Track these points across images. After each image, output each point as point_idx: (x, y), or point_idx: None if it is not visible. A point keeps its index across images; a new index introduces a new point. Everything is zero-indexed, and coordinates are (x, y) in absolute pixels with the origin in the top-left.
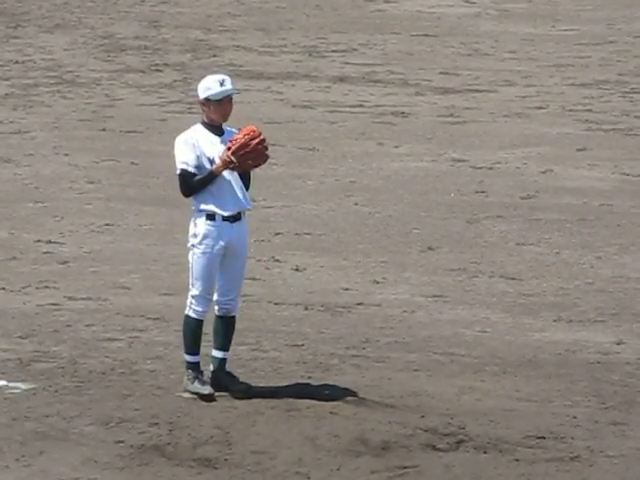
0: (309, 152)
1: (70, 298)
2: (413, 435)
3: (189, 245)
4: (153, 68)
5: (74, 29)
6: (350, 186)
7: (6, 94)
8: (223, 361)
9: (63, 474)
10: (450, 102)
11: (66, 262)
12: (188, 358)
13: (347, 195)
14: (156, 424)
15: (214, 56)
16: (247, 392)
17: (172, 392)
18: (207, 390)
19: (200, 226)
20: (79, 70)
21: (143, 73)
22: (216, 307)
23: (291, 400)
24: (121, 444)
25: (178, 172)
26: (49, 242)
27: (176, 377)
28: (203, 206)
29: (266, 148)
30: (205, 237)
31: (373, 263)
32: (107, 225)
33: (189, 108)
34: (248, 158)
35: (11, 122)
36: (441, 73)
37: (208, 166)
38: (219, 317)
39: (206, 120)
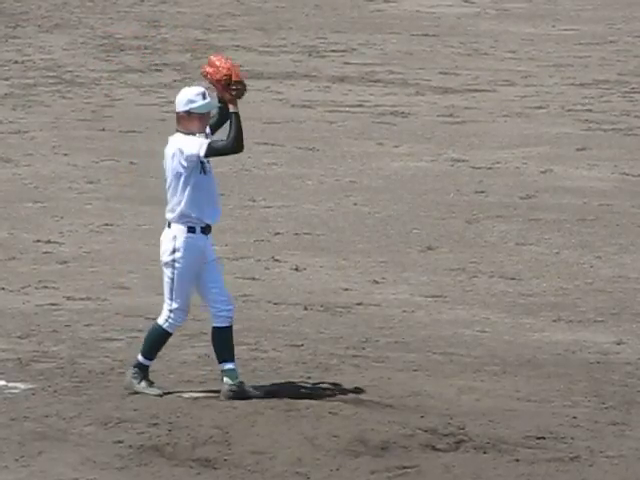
0: (308, 152)
1: (69, 298)
2: (413, 435)
3: (167, 260)
4: (152, 68)
5: (73, 29)
6: (350, 186)
7: (5, 94)
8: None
9: (62, 474)
10: (450, 102)
11: (65, 262)
12: (143, 361)
13: (347, 195)
14: (155, 424)
15: None
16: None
17: (171, 392)
18: (155, 391)
19: (180, 240)
20: (78, 70)
21: (142, 73)
22: (219, 319)
23: (290, 400)
24: (120, 444)
25: (205, 148)
26: (48, 242)
27: (175, 377)
28: (190, 212)
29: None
30: (187, 251)
31: (373, 263)
32: (106, 225)
33: None
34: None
35: (10, 122)
36: (441, 73)
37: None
38: (225, 327)
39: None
